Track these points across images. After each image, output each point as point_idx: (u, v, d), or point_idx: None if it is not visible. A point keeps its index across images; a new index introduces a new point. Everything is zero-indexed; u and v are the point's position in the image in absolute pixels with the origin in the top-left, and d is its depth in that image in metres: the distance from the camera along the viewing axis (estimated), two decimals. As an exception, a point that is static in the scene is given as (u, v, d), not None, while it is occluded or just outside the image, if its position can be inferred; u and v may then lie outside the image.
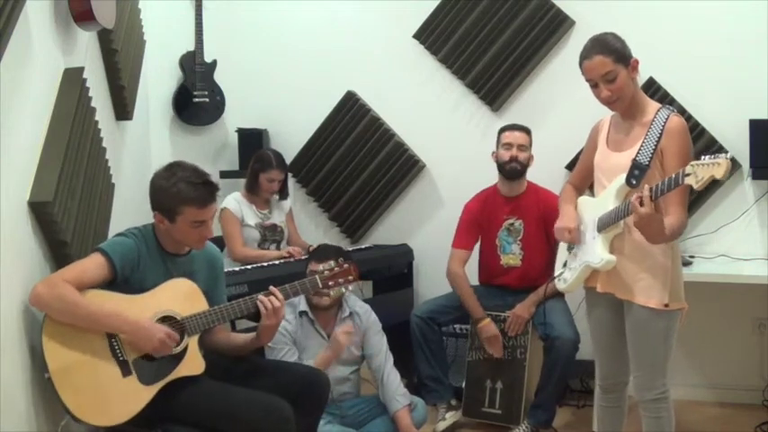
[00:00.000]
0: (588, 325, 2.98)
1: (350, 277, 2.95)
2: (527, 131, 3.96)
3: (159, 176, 2.73)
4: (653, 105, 2.75)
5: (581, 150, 3.09)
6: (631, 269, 2.71)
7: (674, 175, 2.44)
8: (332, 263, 2.97)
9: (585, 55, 2.70)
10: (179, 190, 2.66)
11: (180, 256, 2.82)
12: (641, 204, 2.46)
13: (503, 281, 4.01)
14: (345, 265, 2.95)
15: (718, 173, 2.31)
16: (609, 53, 2.65)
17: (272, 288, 2.80)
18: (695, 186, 2.36)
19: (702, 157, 2.36)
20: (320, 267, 2.97)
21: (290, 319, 3.37)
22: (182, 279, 2.77)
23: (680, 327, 2.76)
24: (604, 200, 2.74)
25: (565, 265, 2.93)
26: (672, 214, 2.61)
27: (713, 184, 3.93)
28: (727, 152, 2.39)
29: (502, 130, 3.98)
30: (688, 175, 2.37)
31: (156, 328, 2.60)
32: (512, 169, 3.90)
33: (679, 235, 2.67)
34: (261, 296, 2.77)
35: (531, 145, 3.94)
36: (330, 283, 2.93)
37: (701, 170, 2.35)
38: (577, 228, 2.84)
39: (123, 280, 2.67)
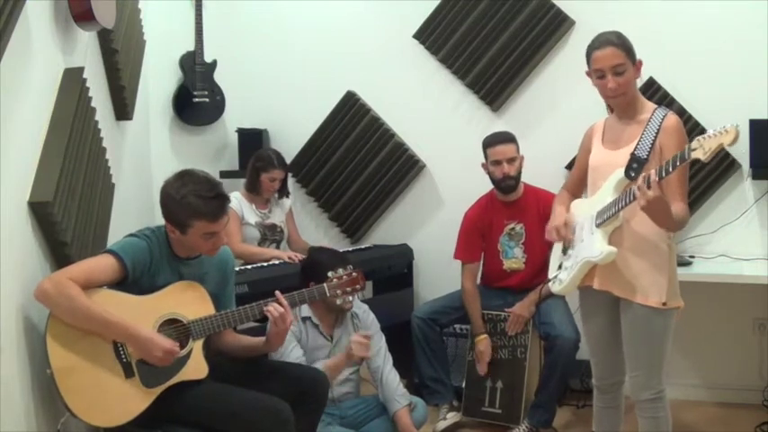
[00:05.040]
0: (583, 325, 2.98)
1: (357, 286, 2.99)
2: (511, 139, 3.90)
3: (170, 186, 2.68)
4: (649, 105, 2.79)
5: (581, 151, 3.09)
6: (630, 264, 2.71)
7: (679, 153, 2.43)
8: (341, 270, 2.97)
9: (598, 45, 2.72)
10: (189, 203, 2.62)
11: (191, 258, 2.81)
12: (648, 187, 2.45)
13: (505, 283, 4.01)
14: (353, 275, 2.97)
15: (727, 140, 2.30)
16: (622, 47, 2.69)
17: (277, 294, 2.81)
18: (703, 158, 2.35)
19: (710, 131, 2.36)
20: (329, 274, 2.98)
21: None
22: (190, 282, 2.76)
23: (676, 326, 2.76)
24: (602, 195, 2.75)
25: (559, 267, 2.92)
26: (674, 206, 2.61)
27: (713, 184, 4.01)
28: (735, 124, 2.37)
29: (487, 145, 3.91)
30: (695, 149, 2.37)
31: (156, 344, 2.58)
32: (507, 186, 3.90)
33: (684, 223, 2.68)
34: (269, 305, 2.77)
35: (518, 149, 3.90)
36: (338, 292, 2.95)
37: (708, 142, 2.34)
38: (568, 226, 2.84)
39: (133, 281, 2.66)
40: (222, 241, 2.75)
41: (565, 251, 2.90)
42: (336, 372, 3.28)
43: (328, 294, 2.93)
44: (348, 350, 3.26)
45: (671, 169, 2.45)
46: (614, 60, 2.68)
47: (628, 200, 2.59)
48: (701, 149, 2.35)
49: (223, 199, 2.70)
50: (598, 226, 2.72)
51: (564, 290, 2.91)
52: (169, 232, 2.73)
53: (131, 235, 2.76)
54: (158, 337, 2.61)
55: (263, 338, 2.87)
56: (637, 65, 2.73)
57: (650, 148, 2.65)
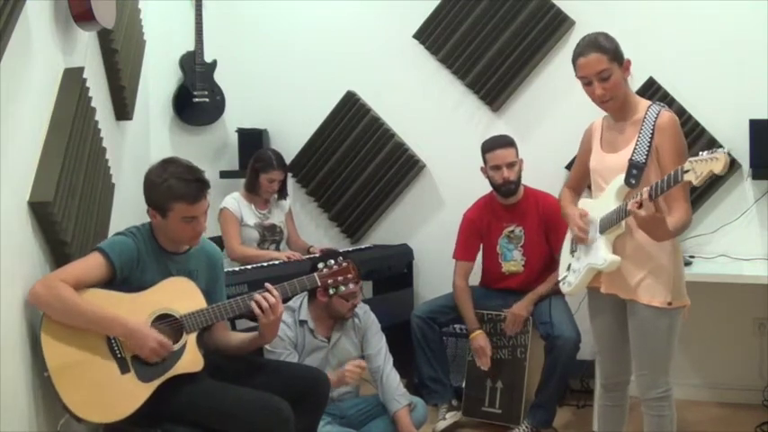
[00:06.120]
0: (591, 325, 2.98)
1: (348, 275, 2.94)
2: (510, 143, 3.88)
3: (152, 172, 2.76)
4: (643, 103, 2.76)
5: (580, 151, 3.09)
6: (634, 270, 2.71)
7: (672, 173, 2.44)
8: (331, 261, 2.96)
9: (581, 52, 2.70)
10: (169, 186, 2.69)
11: (178, 254, 2.82)
12: (640, 207, 2.46)
13: (504, 285, 4.01)
14: (344, 264, 2.95)
15: (717, 167, 2.31)
16: (604, 51, 2.66)
17: (267, 285, 2.81)
18: (695, 182, 2.36)
19: (700, 153, 2.37)
20: (318, 265, 2.97)
21: (289, 323, 3.36)
22: (180, 277, 2.78)
23: (682, 324, 2.76)
24: (605, 201, 2.75)
25: (568, 268, 2.93)
26: (676, 210, 2.61)
27: (713, 184, 4.01)
28: (723, 147, 2.39)
29: (486, 150, 3.89)
30: (687, 171, 2.38)
31: (150, 335, 2.60)
32: (507, 190, 3.88)
33: (685, 229, 2.68)
34: (256, 295, 2.77)
35: (518, 152, 3.88)
36: (329, 282, 2.93)
37: (700, 166, 2.35)
38: (585, 217, 2.80)
39: (123, 279, 2.68)
40: (202, 227, 2.76)
41: (573, 252, 2.91)
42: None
43: (319, 283, 2.91)
44: (341, 374, 3.28)
45: (666, 188, 2.46)
46: (598, 67, 2.66)
47: (628, 211, 2.60)
48: (693, 173, 2.36)
49: (202, 183, 2.75)
50: (602, 233, 2.73)
51: (572, 292, 2.94)
52: (151, 218, 2.76)
53: (118, 233, 2.78)
54: (149, 330, 2.62)
55: (254, 333, 2.87)
56: (625, 64, 2.70)
57: (647, 150, 2.64)
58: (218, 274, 2.97)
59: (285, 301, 2.88)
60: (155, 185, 2.72)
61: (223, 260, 3.08)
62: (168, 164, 2.76)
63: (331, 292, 2.97)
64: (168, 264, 2.79)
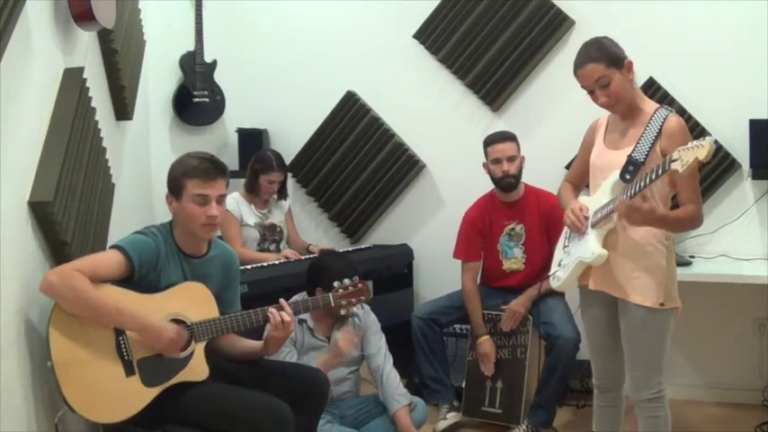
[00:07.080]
0: (583, 323, 2.98)
1: (362, 297, 2.99)
2: (512, 138, 3.91)
3: (174, 161, 2.82)
4: (651, 105, 2.77)
5: (581, 150, 3.09)
6: (625, 267, 2.71)
7: (660, 163, 2.47)
8: (347, 281, 2.97)
9: (578, 64, 2.72)
10: (184, 162, 2.75)
11: (196, 258, 2.81)
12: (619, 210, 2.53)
13: (505, 283, 4.01)
14: (359, 285, 2.98)
15: (701, 154, 2.33)
16: (600, 59, 2.67)
17: (282, 302, 2.81)
18: (680, 170, 2.38)
19: (690, 143, 2.39)
20: (335, 284, 2.98)
21: None
22: (196, 283, 2.76)
23: (676, 326, 2.77)
24: (599, 196, 2.76)
25: (560, 263, 2.93)
26: (684, 203, 2.65)
27: (713, 184, 4.01)
28: (711, 136, 2.41)
29: (487, 144, 3.92)
30: (675, 160, 2.40)
31: (165, 328, 2.60)
32: (506, 184, 3.90)
33: (694, 223, 2.71)
34: (272, 308, 2.78)
35: (519, 148, 3.91)
36: (343, 302, 2.95)
37: (686, 154, 2.37)
38: (584, 209, 2.79)
39: (139, 278, 2.66)
40: (214, 211, 2.72)
41: (565, 247, 2.91)
42: (328, 369, 3.27)
43: (333, 305, 2.95)
44: (335, 345, 3.26)
45: (654, 177, 2.48)
46: (595, 76, 2.67)
47: (615, 206, 2.62)
48: (680, 161, 2.38)
49: (217, 164, 2.76)
50: (593, 227, 2.73)
51: (561, 286, 2.92)
52: (168, 205, 2.77)
53: (138, 232, 2.76)
54: (164, 323, 2.62)
55: (260, 342, 2.87)
56: (626, 66, 2.69)
57: (648, 150, 2.65)
58: (232, 279, 2.95)
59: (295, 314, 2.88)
60: (172, 168, 2.78)
61: (239, 265, 3.05)
62: (190, 152, 2.83)
63: (342, 312, 2.99)
64: (185, 267, 2.77)
